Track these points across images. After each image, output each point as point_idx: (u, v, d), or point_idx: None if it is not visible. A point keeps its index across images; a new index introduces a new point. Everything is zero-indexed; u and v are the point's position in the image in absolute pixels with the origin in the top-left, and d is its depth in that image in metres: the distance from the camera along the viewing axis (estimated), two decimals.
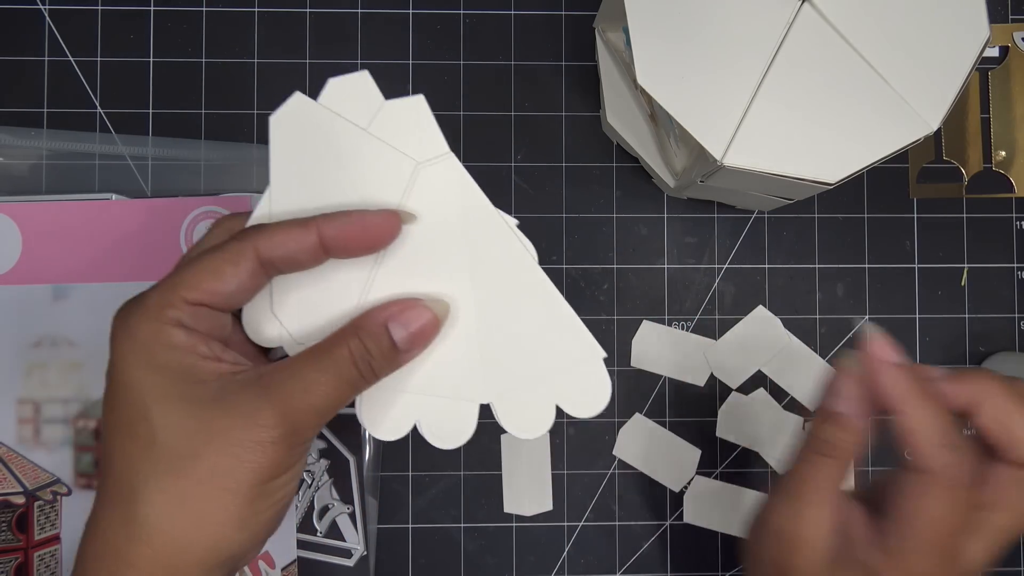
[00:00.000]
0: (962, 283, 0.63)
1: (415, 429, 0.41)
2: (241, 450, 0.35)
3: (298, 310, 0.40)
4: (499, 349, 0.41)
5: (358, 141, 0.40)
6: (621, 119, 0.59)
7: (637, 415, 0.62)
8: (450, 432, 0.41)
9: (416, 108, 0.41)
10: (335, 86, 0.41)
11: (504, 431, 0.45)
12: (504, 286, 0.41)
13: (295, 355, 0.38)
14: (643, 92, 0.47)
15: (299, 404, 0.36)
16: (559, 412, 0.41)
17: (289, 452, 0.36)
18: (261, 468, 0.36)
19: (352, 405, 0.41)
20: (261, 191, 0.52)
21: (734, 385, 0.62)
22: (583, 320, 0.41)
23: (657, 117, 0.56)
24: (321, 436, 0.60)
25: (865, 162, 0.46)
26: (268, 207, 0.40)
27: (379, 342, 0.38)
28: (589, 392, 0.41)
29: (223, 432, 0.35)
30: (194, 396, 0.36)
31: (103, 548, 0.36)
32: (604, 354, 0.41)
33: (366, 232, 0.38)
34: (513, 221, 0.41)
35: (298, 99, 0.40)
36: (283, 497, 0.38)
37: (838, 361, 0.43)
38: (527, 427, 0.41)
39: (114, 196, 0.60)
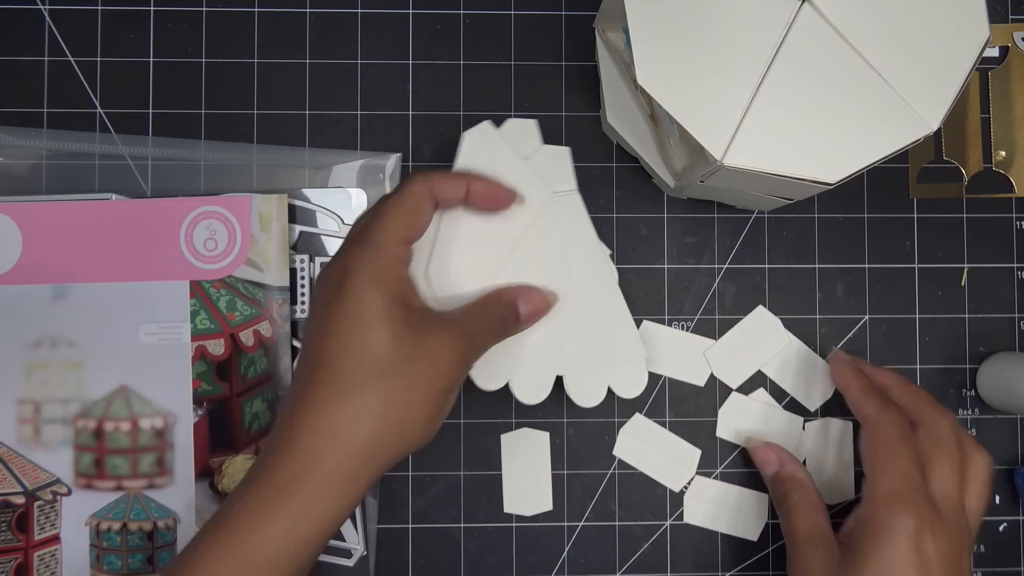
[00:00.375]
0: (962, 283, 0.63)
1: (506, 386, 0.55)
2: (442, 364, 0.46)
3: (444, 278, 0.54)
4: (577, 338, 0.56)
5: (517, 166, 0.55)
6: (621, 119, 0.59)
7: (637, 415, 0.62)
8: (532, 391, 0.55)
9: (562, 155, 0.57)
10: (511, 124, 0.56)
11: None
12: (590, 294, 0.56)
13: (463, 307, 0.50)
14: (643, 92, 0.47)
15: (475, 339, 0.49)
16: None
17: (464, 372, 0.48)
18: (451, 379, 0.47)
19: None
20: (261, 191, 0.56)
21: (734, 385, 0.62)
22: None
23: (657, 117, 0.56)
24: None
25: (865, 162, 0.46)
26: None
27: (511, 311, 0.52)
28: (632, 380, 0.57)
29: (432, 348, 0.46)
30: (410, 320, 0.46)
31: (323, 428, 0.44)
32: (646, 354, 0.57)
33: (494, 194, 0.53)
34: (607, 251, 0.58)
35: (486, 125, 0.55)
36: (450, 407, 0.48)
37: (749, 445, 0.61)
38: (586, 398, 0.56)
39: (114, 196, 0.60)
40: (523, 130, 0.56)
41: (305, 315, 0.60)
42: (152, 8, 0.62)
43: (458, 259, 0.54)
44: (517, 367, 0.55)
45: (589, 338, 0.56)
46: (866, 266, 0.63)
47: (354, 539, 0.60)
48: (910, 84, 0.47)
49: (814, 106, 0.46)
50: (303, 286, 0.61)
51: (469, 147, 0.55)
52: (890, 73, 0.47)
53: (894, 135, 0.47)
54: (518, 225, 0.55)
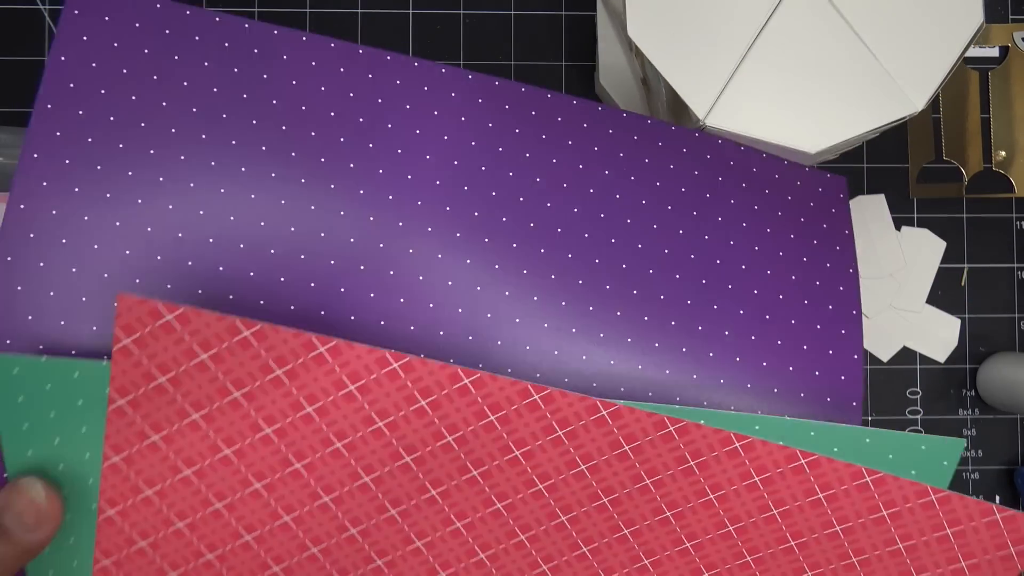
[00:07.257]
0: (962, 283, 0.62)
1: None
2: None
3: None
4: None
5: None
6: (613, 83, 0.59)
7: None
8: None
9: None
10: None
11: None
12: None
13: None
14: (636, 54, 0.47)
15: None
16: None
17: None
18: None
19: None
20: None
21: None
22: None
23: (649, 82, 0.56)
24: None
25: (846, 135, 0.46)
26: None
27: None
28: None
29: None
30: None
31: None
32: None
33: None
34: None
35: None
36: None
37: None
38: None
39: None
40: None
41: None
42: None
43: None
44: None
45: None
46: None
47: None
48: (899, 63, 0.47)
49: (801, 75, 0.46)
50: None
51: None
52: (880, 50, 0.47)
53: (878, 111, 0.47)
54: None
